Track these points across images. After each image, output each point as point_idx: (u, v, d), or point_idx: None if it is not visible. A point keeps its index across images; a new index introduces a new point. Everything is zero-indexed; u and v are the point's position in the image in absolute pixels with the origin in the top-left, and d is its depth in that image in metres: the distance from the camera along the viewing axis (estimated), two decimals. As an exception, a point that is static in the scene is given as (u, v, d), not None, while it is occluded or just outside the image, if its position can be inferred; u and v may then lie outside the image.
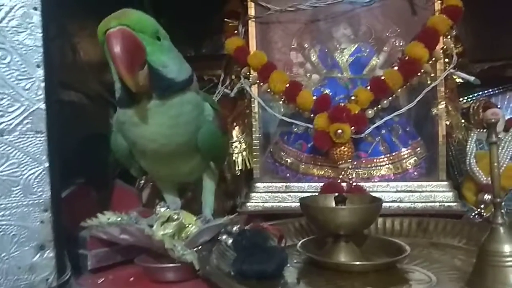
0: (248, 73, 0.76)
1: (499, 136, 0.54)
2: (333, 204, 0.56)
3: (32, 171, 0.47)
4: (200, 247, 0.54)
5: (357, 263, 0.52)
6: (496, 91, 0.88)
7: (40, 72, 0.47)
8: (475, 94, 0.88)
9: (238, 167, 0.81)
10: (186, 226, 0.56)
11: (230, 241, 0.54)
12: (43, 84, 0.48)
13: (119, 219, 0.55)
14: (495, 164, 0.44)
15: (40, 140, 0.48)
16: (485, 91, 0.88)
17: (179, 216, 0.55)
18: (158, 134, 0.53)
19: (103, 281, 0.53)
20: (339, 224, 0.52)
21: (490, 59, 0.92)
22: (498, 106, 0.80)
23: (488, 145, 0.71)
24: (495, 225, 0.44)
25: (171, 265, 0.51)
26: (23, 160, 0.47)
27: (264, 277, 0.47)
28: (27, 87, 0.47)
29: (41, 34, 0.47)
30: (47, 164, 0.48)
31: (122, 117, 0.54)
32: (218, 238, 0.56)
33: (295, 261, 0.55)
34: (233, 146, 0.82)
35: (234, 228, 0.57)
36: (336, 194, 0.57)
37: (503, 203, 0.44)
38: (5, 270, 0.46)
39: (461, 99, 0.83)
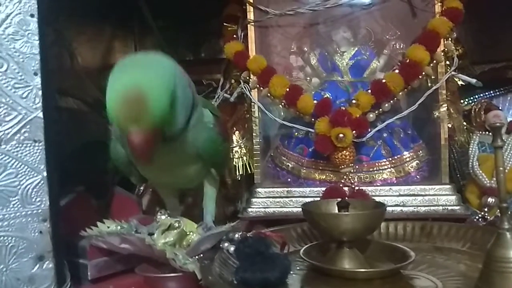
0: (247, 78, 0.76)
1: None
2: (336, 210, 0.55)
3: (30, 181, 0.46)
4: (201, 255, 0.54)
5: (362, 270, 0.51)
6: (497, 93, 0.88)
7: (38, 80, 0.47)
8: (476, 96, 0.88)
9: (238, 172, 0.81)
10: (187, 234, 0.56)
11: (232, 248, 0.53)
12: (40, 92, 0.47)
13: (119, 227, 0.55)
14: (501, 168, 0.43)
15: (38, 149, 0.47)
16: (486, 93, 0.88)
17: (180, 224, 0.54)
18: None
19: (103, 292, 0.52)
20: (343, 230, 0.51)
21: (491, 61, 0.92)
22: (500, 108, 0.79)
23: (490, 148, 0.73)
24: (502, 230, 0.43)
25: (172, 274, 0.50)
26: (21, 170, 0.46)
27: (268, 285, 0.46)
28: (25, 95, 0.46)
29: (38, 42, 0.47)
30: (45, 173, 0.47)
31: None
32: (220, 245, 0.55)
33: (298, 267, 0.54)
34: (233, 151, 0.81)
35: (236, 236, 0.56)
36: (339, 199, 0.56)
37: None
38: (4, 282, 0.45)
39: (461, 101, 0.82)
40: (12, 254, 0.46)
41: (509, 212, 0.43)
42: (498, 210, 0.68)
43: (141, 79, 0.43)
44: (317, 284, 0.50)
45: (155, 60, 0.47)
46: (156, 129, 0.44)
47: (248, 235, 0.54)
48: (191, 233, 0.56)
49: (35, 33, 0.47)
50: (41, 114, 0.47)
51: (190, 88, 0.51)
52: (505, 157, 0.71)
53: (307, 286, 0.50)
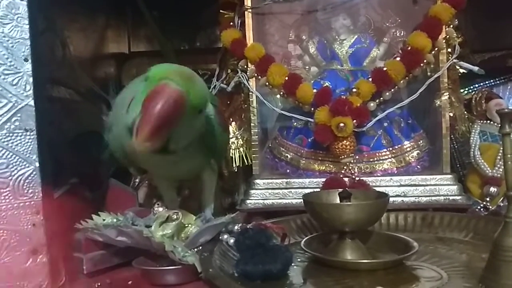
0: (245, 66, 0.74)
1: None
2: (337, 200, 0.54)
3: (22, 172, 0.45)
4: (200, 247, 0.53)
5: (365, 261, 0.50)
6: (498, 82, 0.87)
7: (28, 66, 0.45)
8: (476, 85, 0.87)
9: (235, 164, 0.79)
10: (186, 226, 0.54)
11: (231, 240, 0.52)
12: (31, 79, 0.45)
13: (115, 220, 0.53)
14: (509, 156, 0.42)
15: (29, 139, 0.45)
16: (486, 82, 0.87)
17: (179, 216, 0.53)
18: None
19: (100, 286, 0.51)
20: (345, 221, 0.51)
21: (491, 49, 0.91)
22: (500, 97, 0.79)
23: (492, 137, 0.72)
24: (509, 219, 0.42)
25: (171, 267, 0.49)
26: (12, 160, 0.44)
27: (270, 277, 0.45)
28: (15, 82, 0.44)
29: (28, 26, 0.45)
30: (37, 164, 0.45)
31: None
32: (219, 237, 0.54)
33: (299, 259, 0.53)
34: (230, 142, 0.79)
35: (236, 227, 0.55)
36: (340, 189, 0.55)
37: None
38: (-4, 277, 0.44)
39: (461, 90, 0.81)
40: (4, 247, 0.44)
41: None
42: (502, 197, 0.68)
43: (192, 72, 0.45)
44: (319, 276, 0.49)
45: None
46: (189, 104, 0.42)
47: (248, 226, 0.53)
48: (189, 225, 0.55)
49: (25, 17, 0.45)
50: (32, 102, 0.45)
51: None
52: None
53: (309, 278, 0.49)
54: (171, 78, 0.41)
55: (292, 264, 0.49)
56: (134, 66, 1.01)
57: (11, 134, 0.44)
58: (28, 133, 0.45)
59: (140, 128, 0.40)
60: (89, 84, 0.76)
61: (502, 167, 0.65)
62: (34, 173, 0.45)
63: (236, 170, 0.80)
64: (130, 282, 0.51)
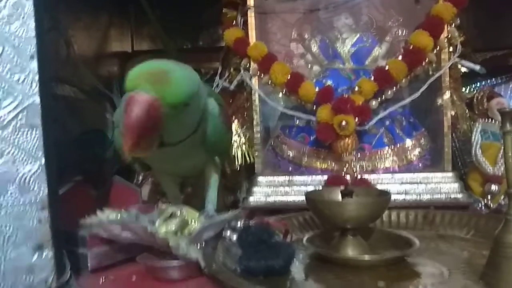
0: (248, 65, 0.74)
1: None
2: (339, 198, 0.55)
3: (27, 168, 0.45)
4: (204, 243, 0.53)
5: (367, 257, 0.51)
6: (499, 81, 0.87)
7: (34, 64, 0.45)
8: (478, 84, 0.87)
9: (237, 162, 0.80)
10: (189, 222, 0.55)
11: (234, 237, 0.53)
12: (37, 77, 0.45)
13: (119, 216, 0.53)
14: (510, 154, 0.43)
15: (35, 136, 0.45)
16: (488, 81, 0.87)
17: (182, 213, 0.53)
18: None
19: (104, 281, 0.51)
20: (347, 218, 0.51)
21: (492, 48, 0.91)
22: (502, 96, 0.79)
23: (493, 135, 0.72)
24: (510, 216, 0.42)
25: (175, 263, 0.50)
26: (18, 157, 0.45)
27: (272, 273, 0.46)
28: (21, 80, 0.45)
29: (34, 25, 0.45)
30: (43, 161, 0.46)
31: None
32: (222, 234, 0.54)
33: (301, 256, 0.54)
34: (233, 140, 0.80)
35: (239, 224, 0.55)
36: (342, 187, 0.56)
37: None
38: (2, 272, 0.44)
39: (463, 89, 0.81)
40: (11, 243, 0.45)
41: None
42: (503, 195, 0.68)
43: (170, 67, 0.44)
44: (321, 272, 0.49)
45: (183, 65, 0.48)
46: (162, 106, 0.42)
47: (250, 223, 0.53)
48: (193, 221, 0.55)
49: (31, 16, 0.45)
50: (38, 100, 0.45)
51: (202, 99, 0.51)
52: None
53: (311, 274, 0.49)
54: (141, 85, 0.42)
55: (294, 261, 0.49)
56: (137, 65, 1.01)
57: (17, 131, 0.45)
58: (34, 130, 0.45)
59: (123, 140, 0.43)
60: (93, 82, 0.77)
61: (503, 165, 0.66)
62: (40, 169, 0.46)
63: (238, 168, 0.81)
64: (134, 278, 0.52)
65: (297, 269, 0.50)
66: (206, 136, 0.55)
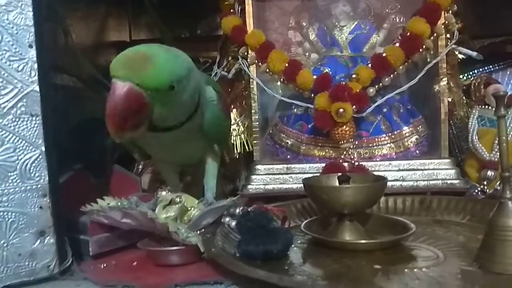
0: (245, 53, 0.75)
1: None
2: (337, 184, 0.55)
3: (28, 156, 0.46)
4: (203, 229, 0.54)
5: (363, 241, 0.51)
6: (496, 68, 0.87)
7: (33, 52, 0.45)
8: (475, 71, 0.87)
9: (236, 150, 0.80)
10: (188, 209, 0.55)
11: (233, 223, 0.54)
12: (36, 65, 0.46)
13: (119, 203, 0.54)
14: (503, 137, 0.43)
15: (35, 124, 0.46)
16: (485, 68, 0.87)
17: (181, 199, 0.54)
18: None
19: (105, 267, 0.52)
20: (344, 203, 0.52)
21: (490, 35, 0.91)
22: (499, 82, 0.79)
23: (490, 122, 0.73)
24: (504, 199, 0.43)
25: (174, 248, 0.50)
26: (18, 144, 0.45)
27: (270, 258, 0.46)
28: (20, 68, 0.45)
29: (32, 13, 0.45)
30: (43, 148, 0.47)
31: None
32: (221, 220, 0.55)
33: (299, 241, 0.55)
34: (231, 129, 0.80)
35: (237, 210, 0.56)
36: (340, 173, 0.56)
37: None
38: (5, 257, 0.45)
39: (460, 76, 0.82)
40: (13, 229, 0.45)
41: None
42: (499, 181, 0.69)
43: (156, 51, 0.44)
44: (318, 257, 0.50)
45: (176, 50, 0.48)
46: (144, 93, 0.43)
47: (249, 209, 0.54)
48: (192, 208, 0.56)
49: (29, 4, 0.45)
50: (37, 88, 0.46)
51: (198, 86, 0.51)
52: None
53: (309, 258, 0.50)
54: (121, 72, 0.43)
55: (292, 246, 0.50)
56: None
57: (17, 119, 0.45)
58: (34, 118, 0.46)
59: (107, 126, 0.44)
60: (92, 71, 0.77)
61: (499, 151, 0.67)
62: (41, 157, 0.46)
63: (237, 157, 0.81)
64: (135, 263, 0.53)
65: (295, 253, 0.51)
66: (205, 123, 0.56)
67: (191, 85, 0.49)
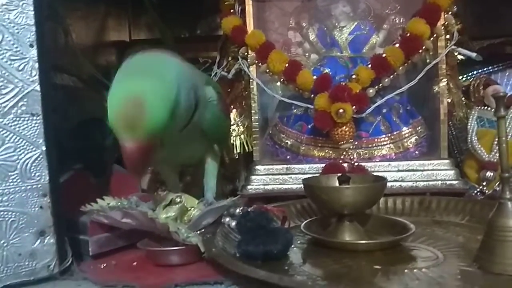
0: (246, 53, 0.75)
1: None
2: (336, 184, 0.55)
3: (29, 155, 0.46)
4: (203, 230, 0.54)
5: (363, 242, 0.51)
6: (496, 69, 0.87)
7: (34, 52, 0.45)
8: (474, 72, 0.87)
9: (236, 151, 0.80)
10: (188, 209, 0.55)
11: (233, 223, 0.54)
12: (37, 65, 0.46)
13: (119, 203, 0.54)
14: (503, 138, 0.43)
15: (36, 123, 0.46)
16: (484, 69, 0.87)
17: (181, 199, 0.54)
18: None
19: (105, 267, 0.52)
20: (344, 203, 0.52)
21: (489, 36, 0.91)
22: (498, 83, 0.79)
23: (489, 122, 0.73)
24: (503, 200, 0.43)
25: (175, 248, 0.50)
26: (19, 144, 0.45)
27: (270, 258, 0.46)
28: (21, 67, 0.45)
29: (33, 12, 0.45)
30: (44, 148, 0.46)
31: None
32: (221, 220, 0.55)
33: (299, 242, 0.55)
34: (231, 129, 0.80)
35: (237, 210, 0.56)
36: (339, 174, 0.56)
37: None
38: (5, 257, 0.45)
39: (460, 77, 0.82)
40: (13, 229, 0.45)
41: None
42: (498, 182, 0.69)
43: (142, 87, 0.42)
44: (318, 257, 0.50)
45: (159, 64, 0.46)
46: (152, 139, 0.43)
47: (249, 209, 0.54)
48: (192, 208, 0.56)
49: (30, 3, 0.45)
50: (38, 87, 0.46)
51: (192, 89, 0.50)
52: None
53: (308, 258, 0.50)
54: (122, 135, 0.43)
55: (292, 246, 0.50)
56: (135, 54, 1.01)
57: (18, 119, 0.45)
58: (34, 118, 0.46)
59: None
60: (91, 71, 0.77)
61: (499, 152, 0.67)
62: (41, 156, 0.46)
63: (237, 157, 0.81)
64: (135, 263, 0.52)
65: (294, 254, 0.51)
66: (205, 123, 0.55)
67: (184, 94, 0.48)
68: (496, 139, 0.69)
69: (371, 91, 0.70)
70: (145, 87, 0.42)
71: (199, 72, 0.59)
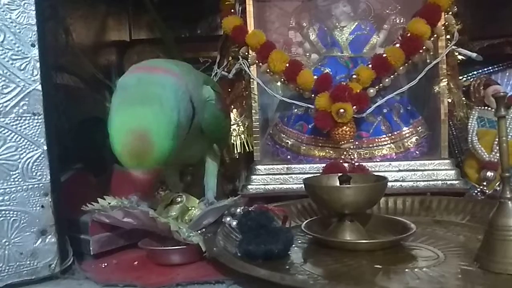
0: (246, 53, 0.75)
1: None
2: (337, 184, 0.55)
3: (30, 155, 0.46)
4: (204, 229, 0.54)
5: (364, 241, 0.52)
6: (496, 69, 0.88)
7: (35, 51, 0.46)
8: (474, 72, 0.88)
9: (236, 151, 0.80)
10: (189, 208, 0.56)
11: (234, 223, 0.54)
12: (38, 64, 0.46)
13: (120, 203, 0.54)
14: (504, 138, 0.43)
15: (37, 123, 0.46)
16: (485, 69, 0.88)
17: (182, 199, 0.54)
18: None
19: (106, 266, 0.52)
20: (345, 203, 0.52)
21: (489, 37, 0.91)
22: (498, 83, 0.79)
23: (489, 122, 0.73)
24: (504, 199, 0.43)
25: (176, 247, 0.51)
26: (20, 143, 0.45)
27: (271, 257, 0.46)
28: (22, 67, 0.45)
29: (34, 12, 0.45)
30: (45, 147, 0.47)
31: None
32: (222, 220, 0.55)
33: (300, 241, 0.55)
34: (231, 129, 0.80)
35: (238, 210, 0.56)
36: (340, 174, 0.56)
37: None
38: (7, 256, 0.45)
39: (460, 77, 0.82)
40: (14, 228, 0.46)
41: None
42: (499, 182, 0.69)
43: (145, 119, 0.43)
44: (319, 256, 0.50)
45: (156, 87, 0.46)
46: (160, 165, 0.44)
47: (250, 209, 0.54)
48: (193, 208, 0.56)
49: (32, 3, 0.45)
50: (39, 87, 0.46)
51: (190, 100, 0.50)
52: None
53: (309, 258, 0.50)
54: (131, 167, 0.44)
55: (293, 246, 0.50)
56: (135, 54, 1.02)
57: (19, 118, 0.45)
58: (36, 117, 0.46)
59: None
60: (92, 71, 0.77)
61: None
62: (42, 156, 0.46)
63: (237, 157, 0.81)
64: (136, 263, 0.53)
65: (295, 253, 0.51)
66: (204, 123, 0.55)
67: (183, 111, 0.48)
68: (497, 139, 0.70)
69: (371, 91, 0.70)
70: (148, 118, 0.43)
71: (196, 72, 0.59)
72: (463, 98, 0.75)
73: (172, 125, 0.44)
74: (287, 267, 0.47)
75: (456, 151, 0.84)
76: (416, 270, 0.44)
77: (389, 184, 0.56)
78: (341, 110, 0.66)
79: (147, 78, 0.47)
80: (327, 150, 0.73)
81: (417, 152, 0.73)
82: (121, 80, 0.48)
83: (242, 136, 0.80)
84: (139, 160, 0.42)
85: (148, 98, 0.44)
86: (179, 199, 0.54)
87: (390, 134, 0.73)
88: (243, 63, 0.75)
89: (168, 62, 0.54)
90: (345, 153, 0.71)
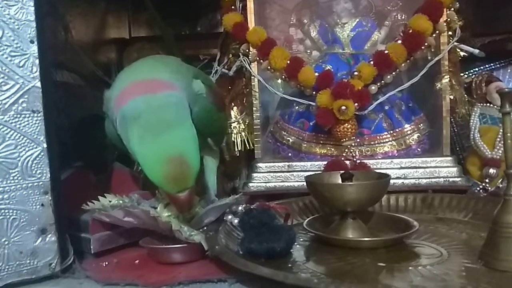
0: (247, 50, 0.74)
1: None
2: (339, 181, 0.55)
3: (30, 152, 0.45)
4: (205, 227, 0.54)
5: (367, 239, 0.51)
6: (498, 65, 0.87)
7: (34, 48, 0.45)
8: (476, 69, 0.87)
9: (237, 148, 0.80)
10: (190, 207, 0.55)
11: (236, 221, 0.53)
12: (37, 61, 0.45)
13: (121, 201, 0.54)
14: (508, 134, 0.43)
15: (37, 120, 0.46)
16: (486, 66, 0.87)
17: (183, 197, 0.53)
18: None
19: (107, 265, 0.52)
20: (347, 200, 0.51)
21: (491, 33, 0.91)
22: (500, 80, 0.79)
23: (491, 119, 0.73)
24: (508, 196, 0.43)
25: (177, 246, 0.50)
26: (20, 141, 0.45)
27: (273, 255, 0.46)
28: (21, 64, 0.45)
29: (33, 8, 0.45)
30: (45, 145, 0.46)
31: None
32: (223, 218, 0.55)
33: (302, 239, 0.54)
34: (232, 127, 0.80)
35: (240, 208, 0.56)
36: (342, 171, 0.56)
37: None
38: (6, 255, 0.45)
39: (462, 74, 0.82)
40: (14, 227, 0.45)
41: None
42: (501, 179, 0.69)
43: (177, 144, 0.47)
44: (321, 254, 0.50)
45: (169, 107, 0.49)
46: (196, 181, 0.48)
47: (252, 207, 0.54)
48: (193, 206, 0.55)
49: (30, -1, 0.45)
50: (39, 84, 0.45)
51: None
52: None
53: (311, 256, 0.50)
54: (175, 190, 0.47)
55: (295, 244, 0.50)
56: (135, 51, 1.01)
57: (18, 116, 0.45)
58: (35, 115, 0.45)
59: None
60: (92, 68, 0.76)
61: (501, 149, 0.66)
62: (42, 154, 0.46)
63: (238, 155, 0.81)
64: (137, 261, 0.52)
65: (297, 251, 0.51)
66: (194, 117, 0.54)
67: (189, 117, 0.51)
68: (499, 136, 0.69)
69: (373, 88, 0.70)
70: (179, 143, 0.47)
71: (186, 67, 0.58)
72: (465, 95, 0.74)
73: (195, 141, 0.48)
74: (290, 265, 0.46)
75: (458, 148, 0.84)
76: (419, 268, 0.44)
77: (391, 181, 0.56)
78: (343, 107, 0.65)
79: (155, 101, 0.49)
80: (328, 148, 0.72)
81: (418, 149, 0.73)
82: (127, 108, 0.49)
83: (243, 133, 0.79)
84: (182, 184, 0.47)
85: (168, 123, 0.47)
86: (180, 198, 0.53)
87: (391, 131, 0.73)
88: (244, 60, 0.74)
89: (156, 66, 0.55)
90: (346, 150, 0.71)
